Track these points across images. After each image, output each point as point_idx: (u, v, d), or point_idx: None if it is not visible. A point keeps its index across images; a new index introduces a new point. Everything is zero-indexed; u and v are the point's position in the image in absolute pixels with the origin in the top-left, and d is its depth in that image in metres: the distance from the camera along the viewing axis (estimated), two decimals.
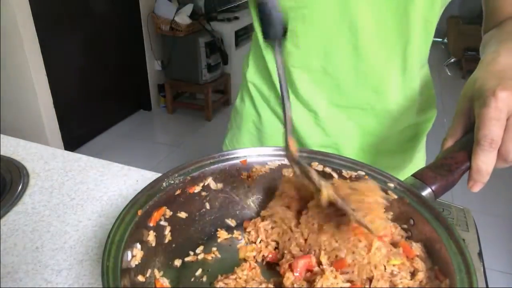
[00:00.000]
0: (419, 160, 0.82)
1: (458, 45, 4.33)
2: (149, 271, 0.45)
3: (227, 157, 0.55)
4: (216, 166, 0.53)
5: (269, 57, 0.74)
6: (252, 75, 0.80)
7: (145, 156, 2.86)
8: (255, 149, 0.56)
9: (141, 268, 0.43)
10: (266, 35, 0.43)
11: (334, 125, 0.74)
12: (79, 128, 2.85)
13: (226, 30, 3.24)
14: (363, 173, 0.52)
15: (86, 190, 0.71)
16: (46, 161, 0.79)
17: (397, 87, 0.69)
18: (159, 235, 0.48)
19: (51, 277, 0.54)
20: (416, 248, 0.45)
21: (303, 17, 0.65)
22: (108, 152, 2.85)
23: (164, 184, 0.49)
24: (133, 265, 0.42)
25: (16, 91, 2.42)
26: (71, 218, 0.65)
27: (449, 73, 4.46)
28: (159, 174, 0.50)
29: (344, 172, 0.53)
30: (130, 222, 0.43)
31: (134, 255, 0.43)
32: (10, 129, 2.43)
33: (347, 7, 0.62)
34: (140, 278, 0.43)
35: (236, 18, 3.37)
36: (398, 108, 0.71)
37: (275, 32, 0.43)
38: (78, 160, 0.80)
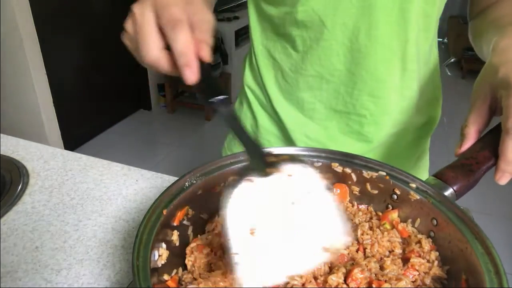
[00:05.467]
0: (422, 169, 0.81)
1: (458, 45, 4.32)
2: (174, 270, 0.45)
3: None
4: (236, 166, 0.53)
5: (261, 63, 0.73)
6: (248, 78, 0.79)
7: (145, 156, 2.86)
8: (275, 149, 0.54)
9: (167, 267, 0.44)
10: (207, 97, 0.40)
11: (330, 132, 0.72)
12: (79, 128, 2.85)
13: (226, 30, 3.23)
14: (383, 173, 0.51)
15: (86, 189, 0.71)
16: (46, 160, 0.79)
17: (395, 89, 0.67)
18: (183, 235, 0.48)
19: (50, 276, 0.54)
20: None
21: (296, 21, 0.64)
22: (108, 152, 2.84)
23: (186, 184, 0.49)
24: (159, 265, 0.42)
25: (16, 90, 2.42)
26: (70, 218, 0.65)
27: (449, 73, 4.45)
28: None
29: (365, 173, 0.52)
30: (156, 222, 0.43)
31: (160, 255, 0.43)
32: (10, 128, 2.43)
33: (339, 9, 0.61)
34: (166, 277, 0.43)
35: (236, 17, 3.36)
36: (398, 110, 0.69)
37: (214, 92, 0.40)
38: (78, 159, 0.80)
